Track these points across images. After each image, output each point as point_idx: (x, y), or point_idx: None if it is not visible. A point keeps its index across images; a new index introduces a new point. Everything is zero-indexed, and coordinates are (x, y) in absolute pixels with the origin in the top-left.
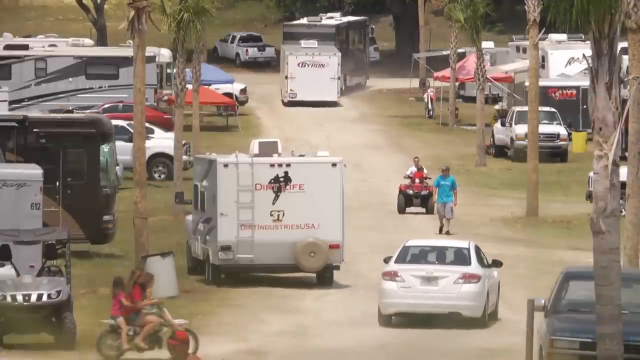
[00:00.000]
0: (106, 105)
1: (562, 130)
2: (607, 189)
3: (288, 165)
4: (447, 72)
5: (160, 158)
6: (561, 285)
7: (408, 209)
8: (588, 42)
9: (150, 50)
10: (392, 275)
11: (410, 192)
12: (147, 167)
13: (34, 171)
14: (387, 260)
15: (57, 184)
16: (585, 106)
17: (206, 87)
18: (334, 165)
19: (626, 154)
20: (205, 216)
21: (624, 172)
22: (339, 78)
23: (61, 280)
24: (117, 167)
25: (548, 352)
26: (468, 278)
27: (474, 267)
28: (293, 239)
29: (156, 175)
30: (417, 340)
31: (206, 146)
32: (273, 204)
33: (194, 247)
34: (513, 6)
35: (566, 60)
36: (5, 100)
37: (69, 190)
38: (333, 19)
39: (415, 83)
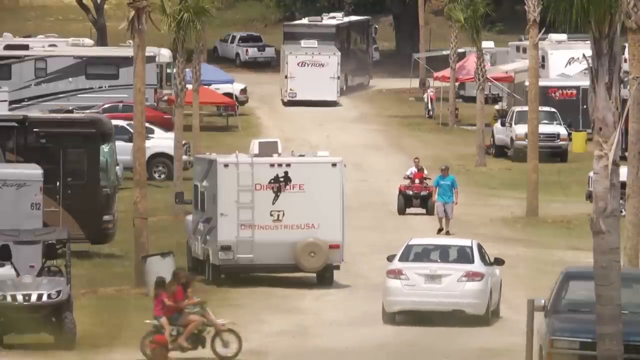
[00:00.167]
0: (106, 105)
1: (562, 130)
2: (607, 189)
3: (288, 165)
4: (447, 72)
5: (160, 158)
6: (561, 285)
7: (408, 210)
8: (588, 42)
9: (150, 50)
10: (396, 273)
11: (410, 192)
12: (147, 167)
13: (34, 171)
14: (390, 259)
15: (57, 184)
16: (585, 106)
17: (206, 87)
18: (334, 165)
19: (626, 154)
20: (205, 216)
21: (624, 172)
22: (338, 78)
23: (61, 280)
24: (117, 167)
25: (548, 352)
26: (471, 276)
27: (477, 265)
28: (293, 239)
29: (156, 175)
30: (417, 339)
31: (206, 146)
32: (273, 204)
33: (194, 247)
34: (513, 6)
35: (566, 60)
36: (5, 100)
37: (69, 190)
38: (335, 19)
39: (415, 83)
